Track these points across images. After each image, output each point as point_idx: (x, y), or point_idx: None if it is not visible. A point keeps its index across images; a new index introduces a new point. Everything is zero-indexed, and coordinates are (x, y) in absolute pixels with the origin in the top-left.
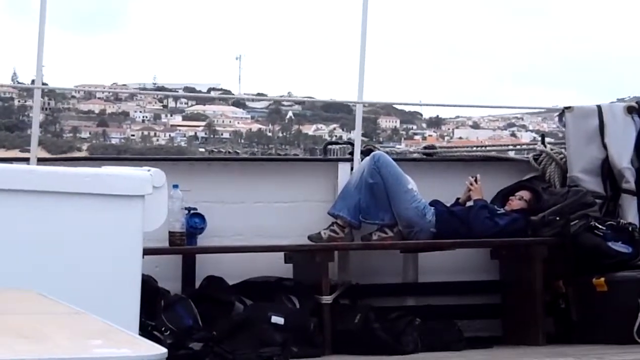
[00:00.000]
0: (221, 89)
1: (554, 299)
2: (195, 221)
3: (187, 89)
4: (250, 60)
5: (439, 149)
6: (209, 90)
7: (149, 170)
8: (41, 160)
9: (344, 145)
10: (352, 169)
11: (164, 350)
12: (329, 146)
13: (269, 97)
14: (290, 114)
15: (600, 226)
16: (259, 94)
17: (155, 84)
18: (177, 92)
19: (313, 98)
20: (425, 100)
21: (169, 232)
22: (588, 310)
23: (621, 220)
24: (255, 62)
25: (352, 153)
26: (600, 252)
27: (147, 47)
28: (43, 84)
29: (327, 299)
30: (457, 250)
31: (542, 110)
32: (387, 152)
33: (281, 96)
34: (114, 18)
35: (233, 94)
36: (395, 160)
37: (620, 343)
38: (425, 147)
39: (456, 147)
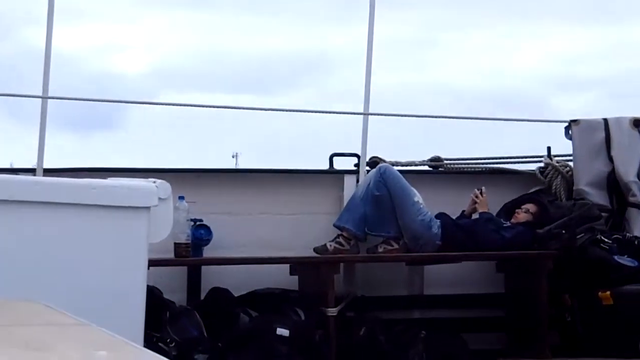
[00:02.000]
0: None
1: (560, 312)
2: (200, 233)
3: None
4: (246, 158)
5: (445, 161)
6: None
7: (154, 182)
8: (47, 171)
9: (350, 158)
10: (357, 181)
11: None
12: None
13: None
14: None
15: (606, 239)
16: None
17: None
18: None
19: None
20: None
21: (175, 244)
22: (593, 324)
23: (627, 234)
24: (251, 160)
25: (358, 165)
26: (606, 266)
27: (144, 147)
28: None
29: (332, 311)
30: (462, 263)
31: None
32: (392, 164)
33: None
34: (110, 119)
35: None
36: (401, 172)
37: (626, 357)
38: (431, 159)
39: (462, 159)
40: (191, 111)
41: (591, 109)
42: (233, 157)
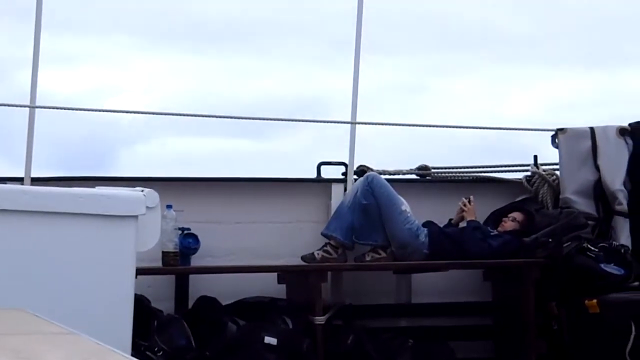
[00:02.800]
0: None
1: (546, 321)
2: (188, 241)
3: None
4: None
5: (432, 170)
6: None
7: (142, 191)
8: (35, 180)
9: (337, 166)
10: (345, 189)
11: None
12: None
13: None
14: None
15: (592, 248)
16: None
17: None
18: None
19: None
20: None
21: (162, 252)
22: (580, 332)
23: (613, 242)
24: None
25: (345, 174)
26: (593, 274)
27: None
28: None
29: (320, 320)
30: (450, 271)
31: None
32: (380, 173)
33: None
34: (102, 160)
35: None
36: (388, 181)
37: None
38: (418, 168)
39: (449, 168)
40: (186, 153)
41: None
42: None
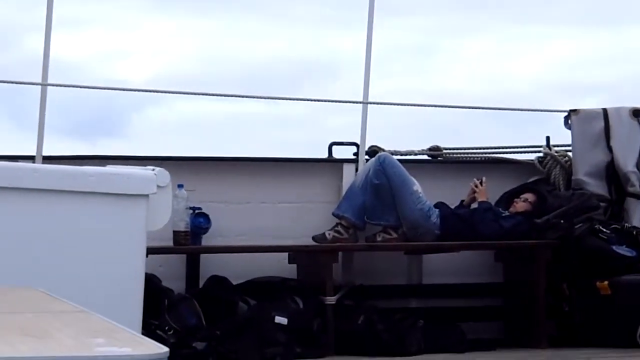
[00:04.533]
0: None
1: (557, 302)
2: (199, 221)
3: None
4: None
5: (444, 151)
6: None
7: (153, 170)
8: (46, 159)
9: (349, 146)
10: (357, 169)
11: (166, 349)
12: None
13: None
14: None
15: (604, 229)
16: None
17: None
18: None
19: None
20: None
21: (174, 232)
22: (591, 314)
23: (625, 224)
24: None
25: (357, 154)
26: (604, 256)
27: (150, 151)
28: None
29: (330, 300)
30: (461, 253)
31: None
32: (392, 153)
33: None
34: (114, 125)
35: None
36: (400, 161)
37: (623, 346)
38: (430, 149)
39: (461, 149)
40: (196, 117)
41: None
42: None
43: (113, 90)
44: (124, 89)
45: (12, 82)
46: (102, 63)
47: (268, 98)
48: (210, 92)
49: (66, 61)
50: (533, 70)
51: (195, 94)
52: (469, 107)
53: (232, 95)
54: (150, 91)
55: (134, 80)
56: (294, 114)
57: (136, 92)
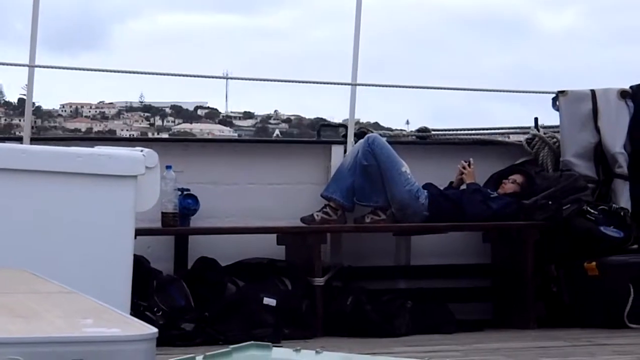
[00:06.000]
0: (208, 107)
1: (546, 283)
2: (188, 202)
3: (174, 107)
4: (238, 76)
5: (433, 132)
6: (196, 108)
7: (141, 151)
8: (34, 140)
9: (338, 128)
10: (345, 151)
11: (155, 330)
12: (322, 128)
13: (256, 115)
14: (277, 132)
15: (592, 210)
16: (245, 112)
17: (142, 102)
18: (164, 110)
19: (300, 117)
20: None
21: (162, 213)
22: (579, 294)
23: (613, 205)
24: (242, 80)
25: (345, 135)
26: (592, 237)
27: (133, 65)
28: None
29: (319, 281)
30: (449, 234)
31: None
32: (381, 135)
33: (268, 115)
34: (95, 37)
35: (220, 112)
36: (389, 143)
37: (611, 327)
38: (418, 130)
39: (450, 130)
40: (176, 31)
41: (573, 26)
42: (223, 74)
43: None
44: None
45: None
46: None
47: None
48: (191, 7)
49: None
50: None
51: None
52: (459, 89)
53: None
54: None
55: None
56: (275, 26)
57: (116, 3)
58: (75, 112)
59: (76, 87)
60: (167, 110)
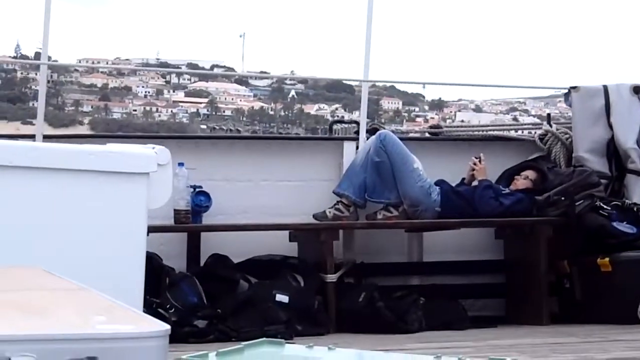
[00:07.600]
0: (224, 66)
1: (558, 279)
2: (200, 199)
3: (190, 65)
4: (253, 37)
5: (445, 129)
6: (212, 67)
7: (153, 148)
8: (47, 137)
9: (350, 125)
10: (357, 147)
11: (167, 327)
12: (335, 125)
13: (272, 75)
14: (292, 92)
15: (605, 206)
16: (262, 72)
17: (158, 59)
18: (180, 68)
19: (316, 77)
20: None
21: (174, 210)
22: (592, 290)
23: (626, 201)
24: (259, 39)
25: (357, 132)
26: (605, 232)
27: (150, 22)
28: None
29: (331, 278)
30: (461, 230)
31: (548, 90)
32: (392, 132)
33: (284, 74)
34: None
35: (236, 72)
36: (400, 139)
37: (624, 323)
38: (430, 127)
39: (462, 127)
40: None
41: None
42: (240, 36)
43: None
44: None
45: None
46: None
47: (264, 77)
48: None
49: None
50: None
51: None
52: (470, 85)
53: None
54: None
55: None
56: None
57: None
58: (92, 67)
59: (93, 42)
60: (184, 67)
